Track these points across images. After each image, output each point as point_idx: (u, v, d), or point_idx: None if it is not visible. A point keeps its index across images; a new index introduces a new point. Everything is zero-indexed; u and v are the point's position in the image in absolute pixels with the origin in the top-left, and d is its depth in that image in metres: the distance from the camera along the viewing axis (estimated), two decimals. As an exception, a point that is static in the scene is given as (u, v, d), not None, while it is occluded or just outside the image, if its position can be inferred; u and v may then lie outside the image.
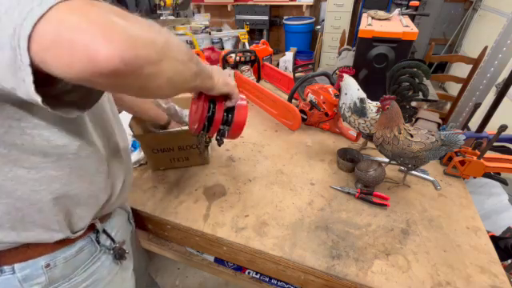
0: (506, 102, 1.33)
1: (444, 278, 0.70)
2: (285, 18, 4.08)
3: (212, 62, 1.96)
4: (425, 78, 0.97)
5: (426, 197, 0.94)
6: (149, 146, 0.98)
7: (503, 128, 0.85)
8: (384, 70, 1.26)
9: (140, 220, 0.93)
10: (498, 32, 2.04)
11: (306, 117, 1.31)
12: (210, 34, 2.54)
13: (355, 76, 1.00)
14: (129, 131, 0.87)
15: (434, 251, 0.77)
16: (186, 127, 0.95)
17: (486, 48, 1.76)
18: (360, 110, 0.97)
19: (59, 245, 0.56)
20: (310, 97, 1.29)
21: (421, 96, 1.00)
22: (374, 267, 0.73)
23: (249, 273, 0.96)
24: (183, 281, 1.69)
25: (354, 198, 0.93)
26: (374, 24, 1.40)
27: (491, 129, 1.04)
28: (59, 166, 0.49)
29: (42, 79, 0.32)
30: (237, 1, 4.16)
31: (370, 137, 1.00)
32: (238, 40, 3.21)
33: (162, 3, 2.48)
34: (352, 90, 0.98)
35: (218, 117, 0.63)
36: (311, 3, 3.88)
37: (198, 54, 1.76)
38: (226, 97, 0.64)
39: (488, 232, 0.84)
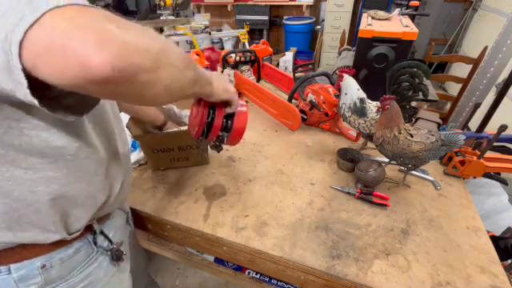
0: (506, 102, 1.33)
1: (444, 278, 0.70)
2: (285, 18, 4.08)
3: (212, 61, 1.96)
4: (425, 78, 0.97)
5: (426, 197, 0.94)
6: (148, 146, 0.98)
7: (503, 128, 0.85)
8: (384, 69, 1.26)
9: (140, 220, 0.93)
10: (498, 32, 2.04)
11: (306, 117, 1.31)
12: (210, 33, 2.54)
13: (355, 76, 1.00)
14: (127, 132, 0.87)
15: (434, 251, 0.77)
16: (185, 127, 0.95)
17: (485, 48, 1.76)
18: (360, 110, 0.97)
19: (55, 246, 0.55)
20: (310, 97, 1.29)
21: (421, 96, 1.00)
22: (373, 267, 0.73)
23: (249, 273, 0.96)
24: (183, 281, 1.69)
25: (354, 198, 0.93)
26: (374, 24, 1.40)
27: (491, 129, 1.04)
28: (57, 167, 0.49)
29: (40, 82, 0.31)
30: (237, 1, 4.16)
31: (370, 137, 1.00)
32: (238, 40, 3.21)
33: (162, 3, 2.48)
34: (352, 90, 0.98)
35: (217, 123, 0.63)
36: (311, 3, 3.88)
37: (197, 54, 1.76)
38: (226, 103, 0.64)
39: (488, 232, 0.84)
